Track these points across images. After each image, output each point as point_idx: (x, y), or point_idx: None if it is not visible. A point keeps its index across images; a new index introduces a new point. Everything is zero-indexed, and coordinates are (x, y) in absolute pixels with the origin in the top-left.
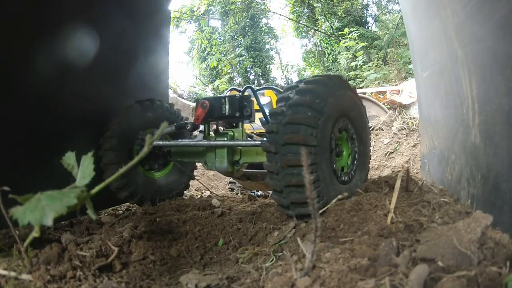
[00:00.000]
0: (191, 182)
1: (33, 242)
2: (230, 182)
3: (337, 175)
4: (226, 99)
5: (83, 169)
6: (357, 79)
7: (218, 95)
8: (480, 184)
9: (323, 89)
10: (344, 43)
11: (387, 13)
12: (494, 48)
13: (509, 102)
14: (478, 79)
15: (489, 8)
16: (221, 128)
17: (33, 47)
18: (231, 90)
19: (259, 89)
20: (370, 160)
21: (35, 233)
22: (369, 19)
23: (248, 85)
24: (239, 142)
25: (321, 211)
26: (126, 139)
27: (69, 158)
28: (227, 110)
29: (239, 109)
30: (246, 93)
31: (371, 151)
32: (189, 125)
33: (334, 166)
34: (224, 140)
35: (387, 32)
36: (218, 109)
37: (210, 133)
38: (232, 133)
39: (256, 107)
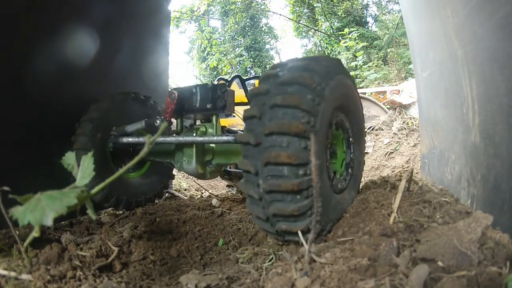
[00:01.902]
0: (191, 182)
1: (33, 242)
2: (227, 186)
3: (332, 182)
4: (197, 88)
5: (83, 169)
6: (357, 79)
7: (191, 85)
8: (480, 184)
9: (323, 68)
10: (344, 43)
11: (387, 13)
12: (494, 48)
13: (509, 102)
14: (478, 79)
15: (489, 8)
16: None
17: (34, 47)
18: (218, 80)
19: (248, 79)
20: (364, 165)
21: (35, 233)
22: (369, 19)
23: (236, 74)
24: (207, 138)
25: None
26: (103, 127)
27: (69, 158)
28: (197, 102)
29: (211, 100)
30: (234, 84)
31: (371, 151)
32: (158, 121)
33: (330, 170)
34: (192, 136)
35: (387, 32)
36: (189, 101)
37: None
38: (203, 128)
39: (244, 99)
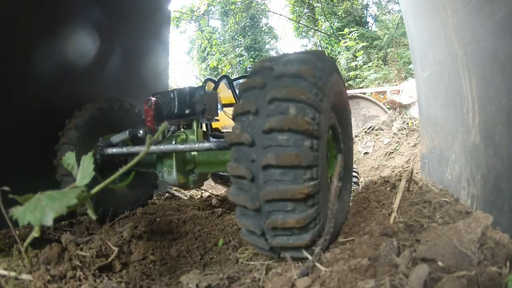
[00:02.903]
0: None
1: (33, 242)
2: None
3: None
4: (175, 93)
5: (83, 169)
6: (357, 79)
7: (170, 89)
8: (480, 184)
9: (322, 63)
10: (344, 43)
11: (387, 13)
12: (494, 48)
13: (509, 102)
14: (478, 79)
15: (489, 8)
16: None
17: (33, 47)
18: (206, 81)
19: (236, 79)
20: (358, 173)
21: (35, 233)
22: (369, 19)
23: (224, 74)
24: (185, 146)
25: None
26: (88, 135)
27: (69, 158)
28: (175, 107)
29: (190, 105)
30: (222, 84)
31: (371, 151)
32: (141, 131)
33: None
34: (171, 144)
35: (387, 32)
36: (167, 107)
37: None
38: (183, 135)
39: (231, 100)
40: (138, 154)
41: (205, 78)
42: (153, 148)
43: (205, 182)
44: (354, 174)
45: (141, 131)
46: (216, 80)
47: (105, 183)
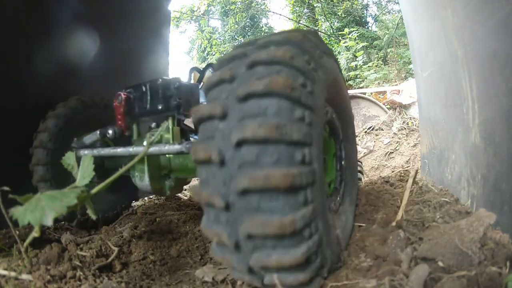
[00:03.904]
0: (192, 182)
1: (33, 242)
2: None
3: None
4: (147, 86)
5: (83, 169)
6: (357, 79)
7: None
8: (480, 184)
9: (311, 44)
10: (344, 43)
11: (387, 13)
12: (494, 48)
13: (509, 102)
14: (478, 79)
15: (489, 8)
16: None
17: (34, 48)
18: (191, 71)
19: None
20: (364, 172)
21: (35, 233)
22: (369, 19)
23: (210, 63)
24: (154, 149)
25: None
26: (62, 136)
27: (69, 158)
28: (148, 102)
29: (163, 99)
30: (208, 73)
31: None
32: (110, 131)
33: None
34: (140, 146)
35: (387, 32)
36: (139, 102)
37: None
38: (159, 135)
39: None
40: (110, 155)
41: (190, 68)
42: (121, 150)
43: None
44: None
45: (110, 131)
46: (202, 69)
47: (106, 182)
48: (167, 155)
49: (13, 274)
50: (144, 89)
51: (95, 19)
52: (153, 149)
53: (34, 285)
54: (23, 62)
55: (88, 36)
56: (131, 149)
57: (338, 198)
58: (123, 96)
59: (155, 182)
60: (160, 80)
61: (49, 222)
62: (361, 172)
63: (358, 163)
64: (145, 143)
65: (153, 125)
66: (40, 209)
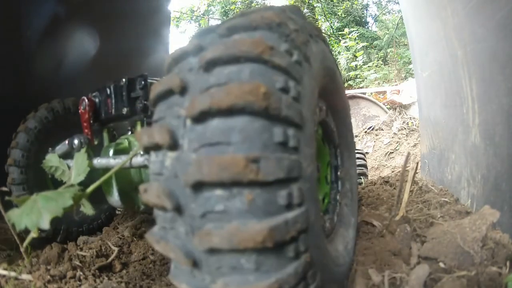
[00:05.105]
0: None
1: (33, 242)
2: None
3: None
4: (111, 88)
5: (77, 166)
6: (357, 79)
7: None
8: (480, 184)
9: (292, 26)
10: (344, 43)
11: (387, 13)
12: (494, 48)
13: (509, 102)
14: (478, 79)
15: (489, 8)
16: None
17: (35, 48)
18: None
19: None
20: (368, 172)
21: (33, 234)
22: (369, 19)
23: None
24: (115, 161)
25: None
26: (40, 139)
27: (51, 160)
28: (113, 107)
29: (128, 102)
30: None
31: (371, 151)
32: (75, 141)
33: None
34: (104, 157)
35: (387, 32)
36: (105, 107)
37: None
38: (125, 143)
39: None
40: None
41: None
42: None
43: None
44: (361, 162)
45: (75, 141)
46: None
47: (100, 181)
48: (139, 169)
49: (13, 274)
50: (108, 91)
51: (95, 19)
52: (116, 162)
53: (34, 285)
54: (23, 62)
55: (88, 36)
56: (95, 161)
57: (332, 220)
58: (87, 101)
59: (124, 197)
60: (124, 80)
61: (45, 225)
62: (365, 166)
63: (361, 155)
64: (111, 153)
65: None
66: (36, 212)
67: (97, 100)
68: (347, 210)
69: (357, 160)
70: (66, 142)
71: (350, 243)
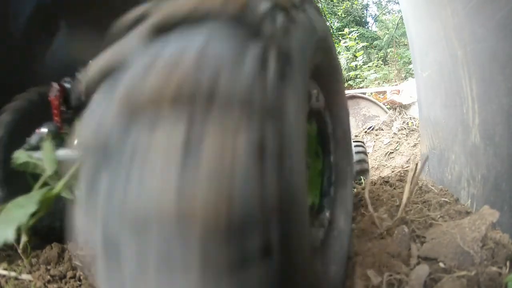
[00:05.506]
0: None
1: (34, 243)
2: None
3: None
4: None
5: (46, 157)
6: (357, 79)
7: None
8: (480, 184)
9: None
10: (344, 43)
11: (387, 13)
12: (494, 48)
13: (509, 102)
14: (478, 79)
15: (489, 8)
16: None
17: (35, 48)
18: None
19: None
20: (369, 170)
21: (24, 238)
22: (369, 19)
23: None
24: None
25: None
26: (17, 132)
27: (19, 157)
28: (83, 93)
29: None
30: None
31: (371, 151)
32: (43, 131)
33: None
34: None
35: (387, 32)
36: (76, 93)
37: None
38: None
39: None
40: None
41: None
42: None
43: None
44: (362, 157)
45: (43, 130)
46: None
47: (65, 180)
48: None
49: (13, 274)
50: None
51: (96, 19)
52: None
53: (34, 285)
54: (24, 62)
55: (87, 36)
56: (60, 153)
57: (321, 232)
58: (56, 87)
59: None
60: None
61: (9, 238)
62: (364, 160)
63: (362, 147)
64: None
65: None
66: (7, 222)
67: (68, 86)
68: (345, 233)
69: (356, 155)
70: (36, 131)
71: (344, 240)
